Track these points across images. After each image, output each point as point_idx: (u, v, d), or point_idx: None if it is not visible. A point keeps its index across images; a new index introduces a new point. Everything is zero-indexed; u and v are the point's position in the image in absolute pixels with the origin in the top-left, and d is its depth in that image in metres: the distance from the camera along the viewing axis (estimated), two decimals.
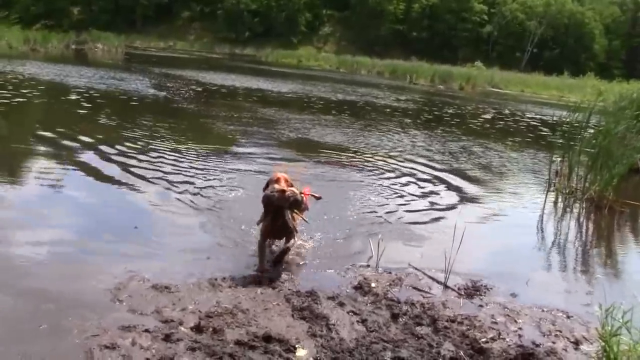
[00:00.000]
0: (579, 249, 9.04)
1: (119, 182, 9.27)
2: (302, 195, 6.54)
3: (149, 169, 10.15)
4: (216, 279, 5.99)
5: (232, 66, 46.01)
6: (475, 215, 9.73)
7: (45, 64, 29.03)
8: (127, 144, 12.11)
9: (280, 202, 6.24)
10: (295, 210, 6.52)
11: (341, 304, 5.76)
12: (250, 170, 11.00)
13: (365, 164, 12.95)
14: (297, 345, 4.87)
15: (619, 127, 11.84)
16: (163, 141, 12.81)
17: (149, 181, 9.47)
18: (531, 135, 22.09)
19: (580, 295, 6.90)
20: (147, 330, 4.82)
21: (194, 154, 11.78)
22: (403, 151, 15.18)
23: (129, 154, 11.14)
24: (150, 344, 4.62)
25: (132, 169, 10.06)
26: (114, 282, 5.67)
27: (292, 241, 6.56)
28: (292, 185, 6.55)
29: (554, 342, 5.52)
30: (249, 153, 12.66)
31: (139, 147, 11.93)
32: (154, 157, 11.11)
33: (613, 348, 4.68)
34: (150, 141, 12.64)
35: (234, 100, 23.54)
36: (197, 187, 9.36)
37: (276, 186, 6.30)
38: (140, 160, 10.72)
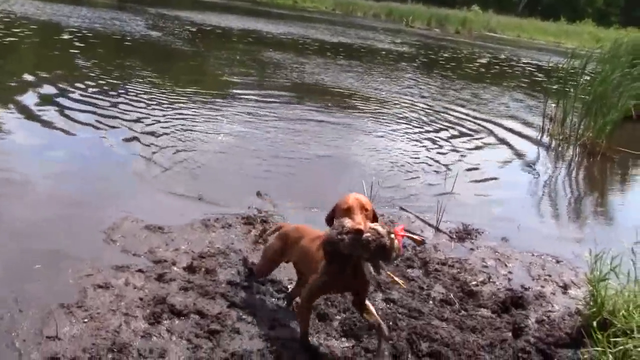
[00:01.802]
0: (570, 195, 9.10)
1: (110, 126, 9.09)
2: (393, 237, 3.71)
3: (141, 113, 9.98)
4: (209, 220, 6.02)
5: (227, 6, 45.39)
6: (468, 159, 9.75)
7: (41, 3, 28.66)
8: (118, 86, 11.98)
9: (354, 250, 3.64)
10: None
11: None
12: (243, 113, 10.94)
13: (360, 107, 12.89)
14: (289, 286, 4.93)
15: (614, 74, 11.79)
16: (154, 85, 12.66)
17: (141, 122, 9.39)
18: (526, 80, 22.00)
19: (570, 240, 6.96)
20: (140, 270, 4.86)
21: (188, 98, 11.67)
22: (399, 95, 15.12)
23: (119, 97, 10.95)
24: (144, 284, 4.67)
25: (123, 113, 9.87)
26: (108, 223, 5.68)
27: (368, 303, 4.15)
28: (375, 218, 3.92)
29: (542, 286, 5.60)
30: (244, 96, 12.56)
31: (130, 89, 11.77)
32: (144, 100, 10.97)
33: (600, 292, 4.73)
34: (141, 84, 12.49)
35: (229, 41, 23.31)
36: (188, 131, 9.29)
37: (347, 222, 3.66)
38: (131, 104, 10.52)
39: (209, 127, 9.61)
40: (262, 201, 6.78)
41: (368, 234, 3.60)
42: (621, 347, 4.29)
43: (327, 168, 8.36)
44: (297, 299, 4.47)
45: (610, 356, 4.29)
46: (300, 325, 4.15)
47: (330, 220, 3.93)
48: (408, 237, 3.91)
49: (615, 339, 4.35)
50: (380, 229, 3.65)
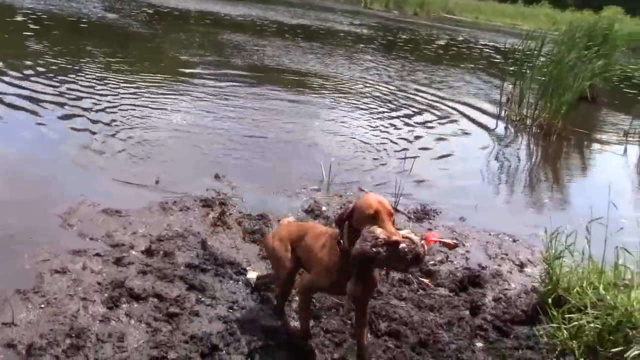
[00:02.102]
0: (527, 175, 9.22)
1: (64, 110, 8.88)
2: (424, 243, 3.43)
3: (96, 96, 9.79)
4: (167, 203, 5.97)
5: None
6: (427, 141, 9.81)
7: None
8: (72, 69, 11.77)
9: (390, 263, 3.33)
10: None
11: None
12: (202, 96, 10.85)
13: (321, 89, 12.87)
14: (248, 268, 4.92)
15: (569, 56, 11.94)
16: (110, 68, 12.45)
17: (97, 106, 9.23)
18: (484, 62, 22.17)
19: (526, 219, 7.06)
20: (97, 255, 4.81)
21: (145, 81, 11.53)
22: (360, 76, 15.12)
23: (74, 80, 10.70)
24: (101, 268, 4.62)
25: (77, 97, 9.67)
26: (63, 207, 5.60)
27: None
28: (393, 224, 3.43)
29: (499, 265, 5.68)
30: (202, 78, 12.44)
31: (85, 72, 11.56)
32: (100, 84, 10.81)
33: (556, 270, 4.82)
34: (97, 67, 12.29)
35: (187, 23, 23.07)
36: (145, 114, 9.17)
37: (381, 233, 3.25)
38: (86, 87, 10.30)
39: (167, 110, 9.51)
40: (221, 183, 6.75)
41: (404, 245, 3.25)
42: (575, 323, 4.38)
43: (286, 150, 8.35)
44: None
45: (565, 332, 4.38)
46: (301, 319, 4.03)
47: (342, 221, 3.52)
48: (440, 242, 3.74)
49: (569, 315, 4.43)
50: (414, 237, 3.33)
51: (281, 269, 4.17)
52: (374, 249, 3.21)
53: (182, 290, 4.44)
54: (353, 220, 3.43)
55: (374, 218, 3.30)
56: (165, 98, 10.23)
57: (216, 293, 4.48)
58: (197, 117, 9.33)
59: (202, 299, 4.38)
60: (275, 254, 4.21)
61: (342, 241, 3.54)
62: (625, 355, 3.97)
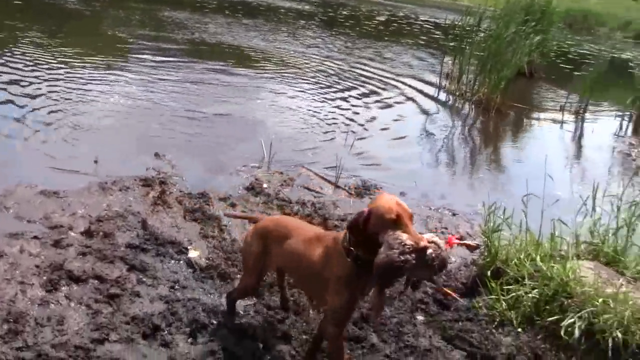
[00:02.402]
0: (466, 150, 9.33)
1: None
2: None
3: (29, 76, 9.50)
4: (106, 183, 5.88)
5: None
6: (368, 116, 9.83)
7: None
8: (2, 48, 11.47)
9: (417, 270, 3.01)
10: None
11: (233, 205, 5.80)
12: (143, 73, 10.67)
13: (264, 66, 12.78)
14: (189, 247, 4.90)
15: (507, 31, 12.08)
16: (45, 46, 12.13)
17: (31, 86, 9.02)
18: (424, 38, 22.24)
19: (465, 194, 7.17)
20: (35, 237, 4.73)
21: (82, 59, 11.28)
22: (303, 53, 15.03)
23: (4, 60, 10.47)
24: (40, 251, 4.55)
25: (8, 79, 9.48)
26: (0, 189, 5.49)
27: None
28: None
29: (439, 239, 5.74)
30: (143, 56, 12.22)
31: (18, 51, 11.22)
32: (33, 63, 10.54)
33: (494, 243, 4.91)
34: (31, 46, 11.97)
35: (126, 0, 22.63)
36: (82, 93, 8.98)
37: (407, 239, 2.93)
38: (19, 68, 9.98)
39: (105, 88, 9.33)
40: (161, 162, 6.69)
41: (431, 250, 2.95)
42: (513, 294, 4.49)
43: (227, 127, 8.29)
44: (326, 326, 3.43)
45: (504, 303, 4.48)
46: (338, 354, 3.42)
47: (358, 227, 3.08)
48: (462, 244, 3.61)
49: (508, 287, 4.54)
50: (438, 240, 3.06)
51: (246, 280, 3.86)
52: (401, 257, 2.88)
53: (122, 271, 4.39)
54: (370, 225, 3.03)
55: (396, 223, 2.96)
56: (104, 77, 10.01)
57: (157, 273, 4.45)
58: (136, 95, 9.18)
59: (143, 279, 4.35)
60: (244, 249, 3.91)
61: (351, 248, 3.12)
62: (561, 324, 4.07)
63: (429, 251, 2.92)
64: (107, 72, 10.35)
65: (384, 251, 2.92)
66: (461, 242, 3.42)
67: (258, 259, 3.71)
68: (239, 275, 4.49)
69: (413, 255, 2.87)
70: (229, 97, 9.81)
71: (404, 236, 2.92)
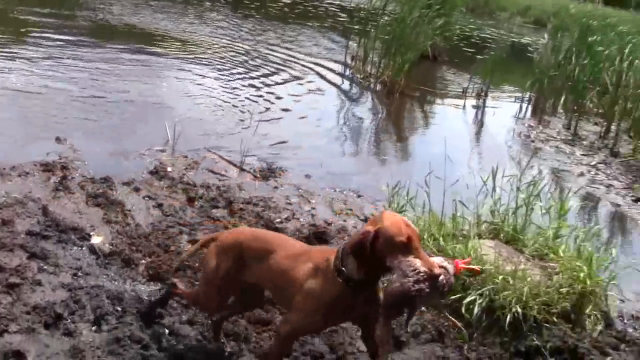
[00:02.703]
0: (371, 132, 9.43)
1: None
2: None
3: None
4: (4, 168, 5.64)
5: None
6: (273, 100, 9.78)
7: None
8: None
9: (428, 299, 2.95)
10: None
11: (137, 189, 5.68)
12: (41, 56, 10.30)
13: (171, 49, 12.52)
14: (92, 233, 4.78)
15: (412, 15, 12.22)
16: None
17: None
18: (330, 20, 22.27)
19: (370, 175, 7.25)
20: None
21: None
22: (211, 36, 14.79)
23: None
24: None
25: None
26: None
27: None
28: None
29: (345, 220, 5.80)
30: (41, 38, 11.79)
31: None
32: None
33: None
34: None
35: None
36: None
37: (419, 265, 2.78)
38: None
39: (2, 69, 8.97)
40: (62, 146, 6.47)
41: (442, 277, 2.83)
42: None
43: (131, 110, 8.09)
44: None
45: None
46: None
47: (362, 249, 2.83)
48: (467, 269, 3.48)
49: None
50: (447, 265, 2.92)
51: (209, 285, 3.42)
52: (416, 286, 2.72)
53: (22, 259, 4.23)
54: (377, 247, 2.80)
55: (409, 245, 2.78)
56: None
57: (59, 260, 4.32)
58: (35, 77, 8.82)
59: (45, 267, 4.20)
60: (206, 265, 3.46)
61: (343, 269, 2.91)
62: (463, 302, 4.17)
63: (441, 277, 2.81)
64: (3, 53, 9.94)
65: (397, 279, 2.74)
66: (467, 266, 3.27)
67: (226, 277, 3.32)
68: (143, 261, 4.41)
69: (427, 283, 2.74)
70: (134, 80, 9.56)
71: (418, 263, 2.75)
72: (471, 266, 3.43)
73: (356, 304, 2.98)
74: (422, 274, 2.72)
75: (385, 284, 2.94)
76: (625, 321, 4.75)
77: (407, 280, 2.71)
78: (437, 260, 2.91)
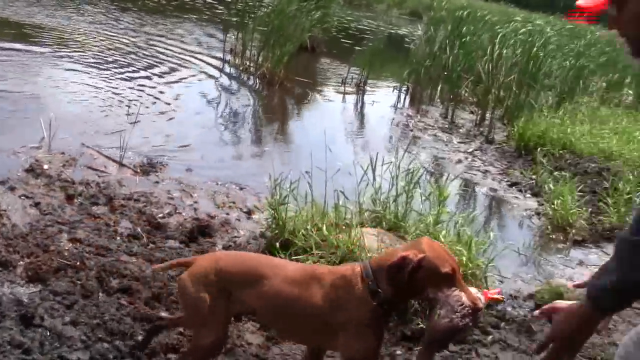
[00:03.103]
0: (251, 124, 9.39)
1: None
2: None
3: None
4: None
5: None
6: (153, 93, 9.56)
7: None
8: None
9: (468, 331, 3.23)
10: None
11: (12, 189, 5.42)
12: None
13: (48, 42, 12.03)
14: None
15: (290, 7, 12.25)
16: None
17: None
18: (208, 13, 22.06)
19: (252, 167, 7.23)
20: None
21: None
22: (90, 29, 14.32)
23: None
24: None
25: None
26: None
27: None
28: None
29: (228, 213, 5.75)
30: None
31: None
32: None
33: (281, 215, 4.98)
34: None
35: None
36: None
37: (464, 298, 2.71)
38: None
39: None
40: None
41: (481, 305, 2.80)
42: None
43: (5, 108, 7.58)
44: None
45: None
46: None
47: (400, 275, 2.68)
48: (492, 299, 3.33)
49: (296, 257, 4.62)
50: (480, 296, 2.85)
51: (206, 336, 3.03)
52: (463, 321, 2.67)
53: None
54: (418, 276, 2.68)
55: (453, 277, 2.70)
56: None
57: None
58: None
59: None
60: (194, 312, 3.06)
61: (379, 290, 2.75)
62: None
63: (481, 306, 2.78)
64: None
65: (446, 315, 2.65)
66: (494, 297, 3.19)
67: (215, 306, 2.98)
68: (21, 262, 4.22)
69: (472, 317, 2.69)
70: (8, 75, 9.13)
71: (464, 297, 2.69)
72: (496, 296, 3.42)
73: (382, 329, 2.91)
74: (467, 308, 2.67)
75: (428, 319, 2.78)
76: (505, 301, 4.90)
77: (456, 316, 2.65)
78: (473, 291, 2.82)
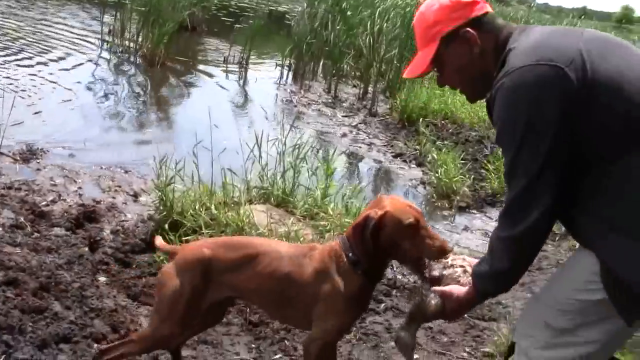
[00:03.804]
0: (133, 105, 9.20)
1: None
2: None
3: None
4: None
5: None
6: (30, 77, 9.19)
7: None
8: None
9: None
10: None
11: None
12: None
13: None
14: None
15: None
16: None
17: None
18: None
19: (136, 150, 7.12)
20: None
21: None
22: None
23: None
24: None
25: None
26: None
27: None
28: None
29: (114, 197, 5.66)
30: None
31: None
32: None
33: (169, 196, 4.95)
34: None
35: None
36: None
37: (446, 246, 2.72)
38: None
39: None
40: None
41: None
42: None
43: None
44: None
45: None
46: None
47: (365, 235, 2.68)
48: None
49: (186, 237, 4.62)
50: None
51: (164, 327, 2.93)
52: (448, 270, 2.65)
53: None
54: (385, 232, 2.67)
55: (414, 227, 2.66)
56: None
57: None
58: None
59: None
60: (168, 302, 2.93)
61: (358, 260, 2.74)
62: None
63: None
64: None
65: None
66: None
67: (192, 298, 2.90)
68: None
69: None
70: None
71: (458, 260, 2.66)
72: None
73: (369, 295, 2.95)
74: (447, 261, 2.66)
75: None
76: (395, 269, 5.05)
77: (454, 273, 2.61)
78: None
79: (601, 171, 2.12)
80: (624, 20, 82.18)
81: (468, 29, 2.32)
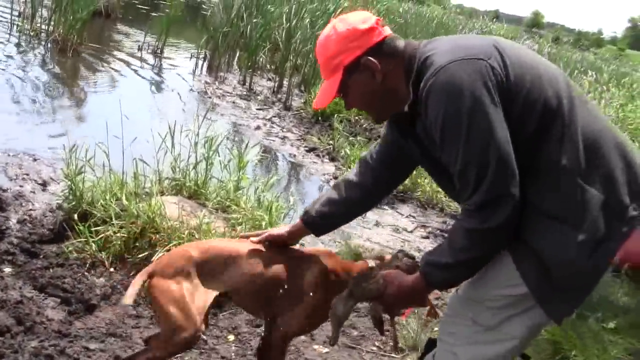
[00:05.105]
0: (43, 92, 8.97)
1: None
2: None
3: None
4: None
5: None
6: None
7: None
8: None
9: None
10: None
11: None
12: None
13: None
14: None
15: None
16: None
17: None
18: None
19: (45, 137, 6.96)
20: None
21: None
22: None
23: None
24: None
25: None
26: None
27: None
28: None
29: (21, 186, 5.52)
30: None
31: None
32: None
33: (79, 186, 4.89)
34: None
35: None
36: None
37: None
38: None
39: None
40: None
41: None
42: (102, 235, 4.55)
43: None
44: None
45: (93, 245, 4.51)
46: None
47: None
48: None
49: (96, 228, 4.58)
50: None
51: (184, 328, 2.79)
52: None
53: None
54: None
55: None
56: None
57: None
58: None
59: None
60: (174, 307, 2.80)
61: None
62: (152, 260, 4.23)
63: None
64: None
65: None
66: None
67: (190, 298, 2.80)
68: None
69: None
70: None
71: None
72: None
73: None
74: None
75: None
76: None
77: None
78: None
79: (532, 165, 2.19)
80: (534, 25, 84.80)
81: (369, 57, 2.36)
